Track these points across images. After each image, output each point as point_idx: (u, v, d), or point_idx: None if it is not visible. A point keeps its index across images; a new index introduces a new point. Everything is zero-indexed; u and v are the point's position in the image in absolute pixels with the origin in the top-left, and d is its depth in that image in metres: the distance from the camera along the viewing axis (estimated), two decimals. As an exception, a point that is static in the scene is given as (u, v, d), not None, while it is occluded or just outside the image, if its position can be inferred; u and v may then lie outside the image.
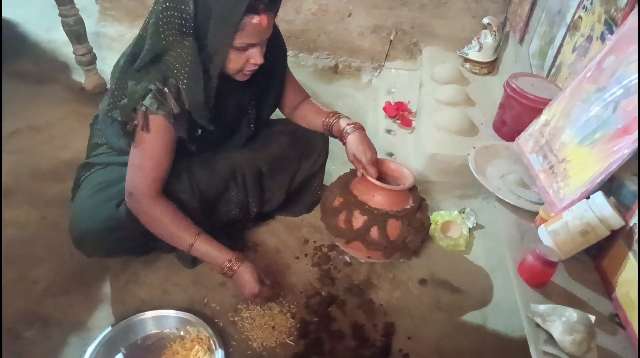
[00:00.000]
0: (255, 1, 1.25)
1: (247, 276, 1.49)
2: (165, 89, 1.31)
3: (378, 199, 1.57)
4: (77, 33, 2.35)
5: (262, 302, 1.56)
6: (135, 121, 1.35)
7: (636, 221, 1.13)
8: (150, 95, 1.30)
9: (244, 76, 1.43)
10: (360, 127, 1.64)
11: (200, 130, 1.49)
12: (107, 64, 2.68)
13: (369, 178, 1.57)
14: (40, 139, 2.20)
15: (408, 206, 1.59)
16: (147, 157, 1.40)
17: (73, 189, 1.63)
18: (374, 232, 1.56)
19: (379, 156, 1.68)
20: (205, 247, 1.47)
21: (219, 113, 1.48)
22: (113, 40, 2.94)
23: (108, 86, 2.51)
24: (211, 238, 1.49)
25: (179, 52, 1.29)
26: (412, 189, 1.62)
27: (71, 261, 1.64)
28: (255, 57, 1.37)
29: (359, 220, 1.58)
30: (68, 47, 2.48)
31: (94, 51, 2.48)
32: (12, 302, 1.52)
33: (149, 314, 1.49)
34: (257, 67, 1.40)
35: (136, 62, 1.34)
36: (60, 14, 2.29)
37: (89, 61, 2.46)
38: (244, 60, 1.37)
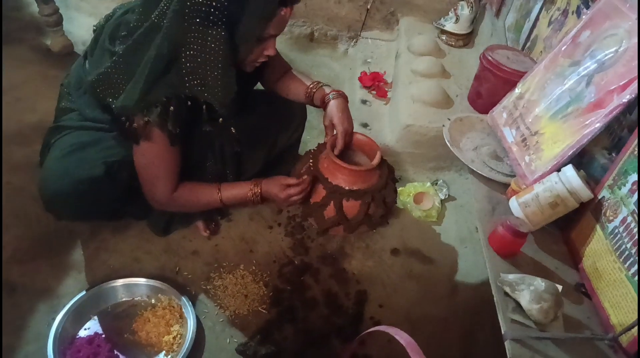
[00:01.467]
0: None
1: (273, 189, 1.53)
2: (171, 107, 1.29)
3: (341, 177, 1.57)
4: (42, -8, 2.25)
5: (300, 200, 1.55)
6: (135, 125, 1.31)
7: (605, 195, 1.16)
8: (157, 111, 1.29)
9: (253, 66, 1.43)
10: (343, 96, 1.62)
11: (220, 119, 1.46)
12: (74, 25, 2.58)
13: (332, 157, 1.56)
14: (5, 101, 2.11)
15: (371, 185, 1.58)
16: (159, 167, 1.42)
17: (42, 153, 1.58)
18: (331, 208, 1.56)
19: (354, 127, 1.66)
20: (230, 194, 1.53)
21: None
22: (80, 0, 2.83)
23: (75, 49, 2.43)
24: (227, 184, 1.55)
25: (203, 44, 1.23)
26: (380, 165, 1.61)
27: (38, 228, 1.60)
28: (270, 48, 1.37)
29: (319, 194, 1.57)
30: (33, 6, 2.38)
31: (60, 11, 2.38)
32: (-23, 269, 1.49)
33: (120, 282, 1.48)
34: (267, 59, 1.41)
35: (142, 49, 1.28)
36: (24, -29, 2.19)
37: (56, 21, 2.36)
38: (261, 51, 1.37)
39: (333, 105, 1.58)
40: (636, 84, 1.10)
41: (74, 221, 1.61)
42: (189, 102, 1.33)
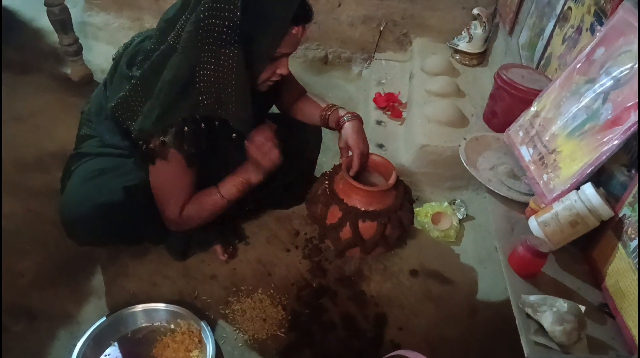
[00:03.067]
0: (298, 13, 1.27)
1: (252, 154, 1.52)
2: (186, 128, 1.32)
3: (356, 198, 1.56)
4: (62, 22, 2.31)
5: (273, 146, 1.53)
6: (152, 146, 1.35)
7: (625, 212, 1.14)
8: (173, 131, 1.32)
9: (266, 86, 1.44)
10: (358, 118, 1.63)
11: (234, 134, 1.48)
12: (93, 53, 2.64)
13: (347, 178, 1.56)
14: (25, 129, 2.16)
15: (387, 205, 1.58)
16: (173, 187, 1.45)
17: (62, 180, 1.60)
18: (347, 230, 1.55)
19: (369, 148, 1.67)
20: (229, 186, 1.53)
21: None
22: (99, 29, 2.89)
23: (95, 77, 2.49)
24: (223, 183, 1.54)
25: (218, 63, 1.26)
26: (395, 185, 1.61)
27: (58, 254, 1.62)
28: (283, 67, 1.39)
29: (335, 215, 1.57)
30: (54, 36, 2.44)
31: (80, 40, 2.44)
32: (-1, 295, 1.51)
33: (139, 307, 1.48)
34: (280, 78, 1.42)
35: (159, 70, 1.31)
36: (45, 3, 2.25)
37: (75, 51, 2.42)
38: (273, 70, 1.38)
39: (348, 127, 1.59)
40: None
41: (94, 246, 1.62)
42: (203, 124, 1.35)
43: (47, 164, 1.97)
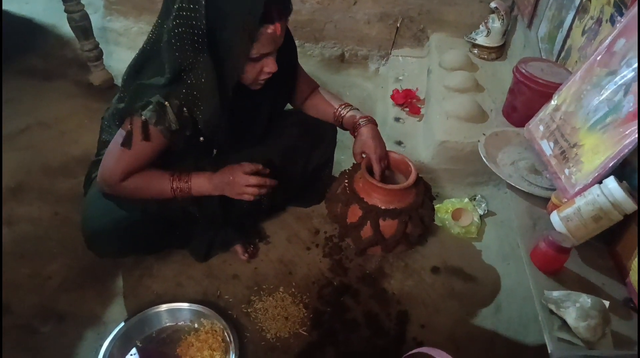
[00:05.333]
0: (269, 10, 1.23)
1: (226, 175, 1.47)
2: (166, 103, 1.29)
3: (376, 196, 1.56)
4: (83, 29, 2.35)
5: (256, 194, 1.49)
6: (129, 127, 1.33)
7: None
8: (151, 107, 1.29)
9: (258, 84, 1.43)
10: (372, 121, 1.62)
11: (201, 138, 1.45)
12: (113, 58, 2.69)
13: (367, 176, 1.56)
14: (50, 135, 2.21)
15: (408, 203, 1.57)
16: (130, 156, 1.38)
17: (85, 185, 1.64)
18: (368, 228, 1.55)
19: (388, 145, 1.67)
20: (183, 189, 1.46)
21: (232, 119, 1.47)
22: (120, 34, 2.94)
23: (116, 82, 2.53)
24: (178, 177, 1.46)
25: (195, 71, 1.27)
26: (416, 183, 1.60)
27: (84, 257, 1.65)
28: (270, 65, 1.36)
29: (355, 214, 1.57)
30: (75, 42, 2.49)
31: (100, 46, 2.48)
32: (27, 298, 1.55)
33: (164, 307, 1.51)
34: (270, 76, 1.40)
35: (139, 73, 1.34)
36: (66, 10, 2.29)
37: (96, 56, 2.46)
38: (259, 69, 1.36)
39: (364, 132, 1.59)
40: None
41: (114, 258, 1.66)
42: (185, 109, 1.33)
43: (73, 169, 2.01)
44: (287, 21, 1.35)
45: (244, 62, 1.31)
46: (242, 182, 1.46)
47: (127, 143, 1.35)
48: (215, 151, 1.57)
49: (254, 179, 1.47)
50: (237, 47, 1.27)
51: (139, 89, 1.33)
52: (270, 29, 1.26)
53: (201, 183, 1.48)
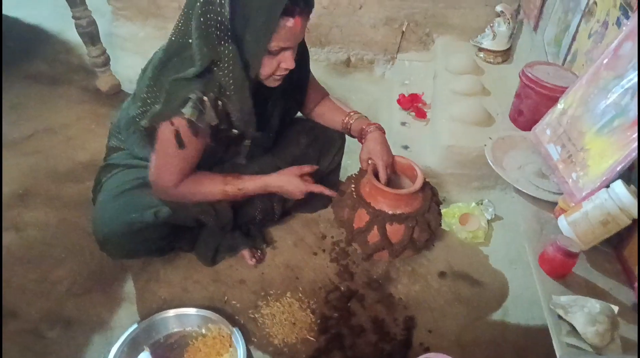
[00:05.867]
0: (291, 4, 1.23)
1: (285, 181, 1.55)
2: (205, 98, 1.29)
3: (383, 201, 1.56)
4: (90, 34, 2.37)
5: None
6: (175, 127, 1.32)
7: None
8: (190, 103, 1.29)
9: (275, 81, 1.42)
10: (380, 128, 1.63)
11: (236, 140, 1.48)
12: (120, 64, 2.70)
13: (374, 181, 1.56)
14: (57, 140, 2.22)
15: (415, 208, 1.57)
16: (177, 158, 1.40)
17: (94, 190, 1.64)
18: (374, 233, 1.55)
19: (394, 149, 1.67)
20: (237, 187, 1.52)
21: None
22: (126, 40, 2.96)
23: (123, 87, 2.54)
24: (233, 179, 1.52)
25: (223, 62, 1.27)
26: (422, 188, 1.60)
27: (91, 262, 1.66)
28: (287, 61, 1.35)
29: (362, 219, 1.57)
30: (82, 48, 2.50)
31: (107, 51, 2.49)
32: (35, 303, 1.55)
33: (171, 312, 1.51)
34: (287, 72, 1.39)
35: (166, 67, 1.33)
36: (73, 16, 2.30)
37: (103, 62, 2.47)
38: (276, 64, 1.35)
39: (371, 139, 1.59)
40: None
41: (127, 259, 1.67)
42: (220, 103, 1.33)
43: (80, 174, 2.02)
44: (308, 19, 1.33)
45: (262, 54, 1.31)
46: (303, 189, 1.54)
47: (180, 143, 1.35)
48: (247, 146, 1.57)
49: (315, 188, 1.55)
50: (257, 39, 1.27)
51: (174, 86, 1.31)
52: (290, 22, 1.26)
53: (257, 188, 1.54)
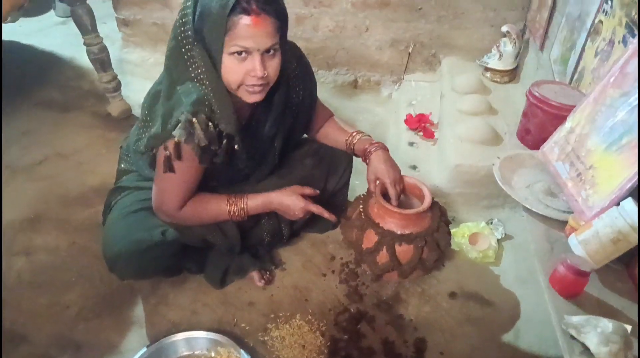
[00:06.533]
0: (245, 2, 1.20)
1: (286, 199, 1.53)
2: (194, 119, 1.29)
3: (391, 221, 1.56)
4: (101, 61, 2.41)
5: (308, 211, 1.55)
6: (167, 152, 1.34)
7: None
8: (180, 126, 1.29)
9: (249, 93, 1.33)
10: (383, 147, 1.63)
11: (226, 158, 1.45)
12: (131, 89, 2.74)
13: (382, 201, 1.56)
14: (68, 165, 2.25)
15: (423, 228, 1.56)
16: (176, 182, 1.41)
17: (104, 213, 1.66)
18: (383, 254, 1.54)
19: (402, 170, 1.67)
20: (240, 206, 1.51)
21: (247, 145, 1.48)
22: (136, 65, 3.00)
23: (133, 111, 2.57)
24: (235, 199, 1.51)
25: (192, 63, 1.29)
26: (431, 207, 1.60)
27: (101, 286, 1.67)
28: (255, 68, 1.27)
29: (371, 240, 1.56)
30: (93, 73, 2.55)
31: (118, 77, 2.53)
32: (45, 327, 1.55)
33: (180, 336, 1.50)
34: (260, 82, 1.30)
35: (159, 92, 1.36)
36: (84, 43, 2.35)
37: (114, 87, 2.51)
38: (243, 71, 1.29)
39: (375, 158, 1.59)
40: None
41: (135, 280, 1.67)
42: (211, 124, 1.32)
43: (90, 198, 2.04)
44: (275, 20, 1.26)
45: (220, 52, 1.26)
46: (303, 206, 1.52)
47: (169, 167, 1.36)
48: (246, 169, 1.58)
49: (315, 208, 1.53)
50: (213, 36, 1.24)
51: (165, 108, 1.33)
52: (246, 19, 1.21)
53: (259, 205, 1.53)
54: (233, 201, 1.51)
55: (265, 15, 1.23)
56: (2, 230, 1.80)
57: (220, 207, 1.50)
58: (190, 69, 1.30)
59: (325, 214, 1.56)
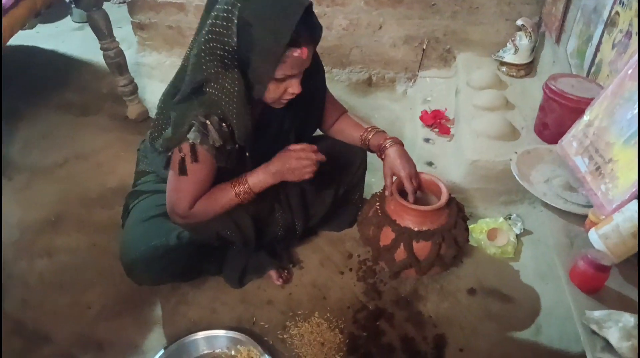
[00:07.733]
0: (297, 35, 1.25)
1: (279, 164, 1.48)
2: (208, 121, 1.32)
3: (408, 218, 1.55)
4: (118, 65, 2.44)
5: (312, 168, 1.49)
6: (182, 154, 1.36)
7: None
8: (194, 128, 1.32)
9: (281, 104, 1.43)
10: (398, 142, 1.62)
11: (240, 157, 1.48)
12: (147, 91, 2.76)
13: (398, 198, 1.55)
14: (88, 167, 2.28)
15: (441, 224, 1.56)
16: (189, 182, 1.42)
17: (123, 216, 1.68)
18: (401, 251, 1.54)
19: (418, 166, 1.66)
20: (245, 186, 1.48)
21: (260, 141, 1.49)
22: (153, 68, 3.03)
23: (150, 114, 2.60)
24: (237, 183, 1.49)
25: (222, 84, 1.30)
26: (448, 203, 1.59)
27: (121, 285, 1.69)
28: (294, 87, 1.37)
29: (388, 237, 1.56)
30: (110, 77, 2.58)
31: (135, 80, 2.56)
32: (67, 327, 1.58)
33: (201, 335, 1.52)
34: (294, 96, 1.40)
35: (177, 93, 1.37)
36: (101, 47, 2.38)
37: (131, 90, 2.54)
38: (283, 90, 1.37)
39: (390, 153, 1.59)
40: None
41: (152, 286, 1.68)
42: (224, 124, 1.35)
43: (109, 199, 2.07)
44: (315, 47, 1.36)
45: (267, 81, 1.32)
46: (299, 165, 1.46)
47: (183, 170, 1.38)
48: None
49: (307, 160, 1.46)
50: (263, 68, 1.29)
51: (178, 110, 1.35)
52: (297, 52, 1.28)
53: (260, 179, 1.49)
54: (236, 183, 1.49)
55: (311, 45, 1.32)
56: (2, 230, 1.84)
57: (227, 194, 1.49)
58: (211, 83, 1.31)
59: (318, 157, 1.49)
